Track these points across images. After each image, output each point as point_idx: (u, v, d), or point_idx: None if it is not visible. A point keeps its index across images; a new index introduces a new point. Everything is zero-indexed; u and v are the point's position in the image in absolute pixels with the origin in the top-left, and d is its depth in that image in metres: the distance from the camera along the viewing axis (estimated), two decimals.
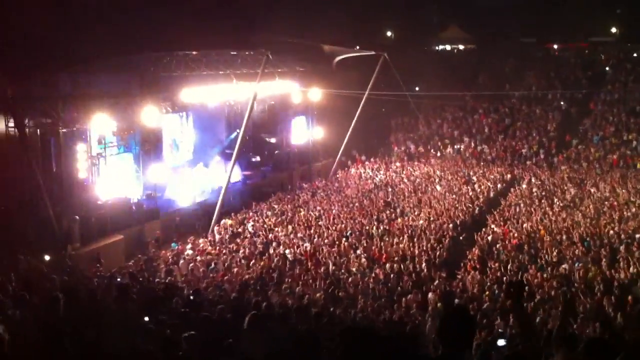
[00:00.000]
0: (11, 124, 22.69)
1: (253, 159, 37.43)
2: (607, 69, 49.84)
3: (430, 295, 18.11)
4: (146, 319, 8.73)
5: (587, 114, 44.64)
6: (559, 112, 45.52)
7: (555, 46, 57.21)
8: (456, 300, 17.56)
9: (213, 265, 21.75)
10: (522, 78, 49.51)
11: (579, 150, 41.08)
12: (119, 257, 23.58)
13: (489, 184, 34.19)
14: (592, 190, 31.79)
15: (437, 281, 19.66)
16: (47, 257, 20.63)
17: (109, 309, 9.13)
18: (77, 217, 23.29)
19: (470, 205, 29.09)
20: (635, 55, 50.63)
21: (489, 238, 24.11)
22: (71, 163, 24.79)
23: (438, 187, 33.50)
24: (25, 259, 19.09)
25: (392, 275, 20.22)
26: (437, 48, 63.31)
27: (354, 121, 38.20)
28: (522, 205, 29.14)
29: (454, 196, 31.08)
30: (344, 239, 24.30)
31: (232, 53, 32.43)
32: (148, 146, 28.40)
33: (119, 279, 17.86)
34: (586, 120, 44.02)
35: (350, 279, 19.97)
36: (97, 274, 19.45)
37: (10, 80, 22.03)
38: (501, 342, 12.19)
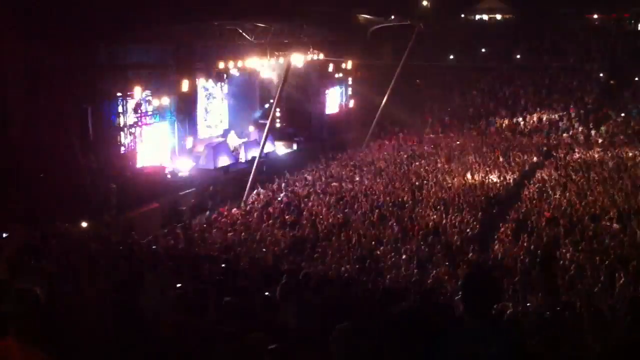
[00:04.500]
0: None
1: (286, 130, 37.49)
2: None
3: (461, 267, 18.07)
4: (178, 285, 8.86)
5: (627, 86, 43.70)
6: (597, 84, 44.65)
7: (596, 16, 55.91)
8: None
9: (246, 234, 21.93)
10: (561, 49, 48.53)
11: (618, 123, 40.32)
12: (155, 225, 23.94)
13: (524, 156, 33.83)
14: (630, 164, 31.25)
15: (469, 254, 19.59)
16: (84, 225, 21.02)
17: (142, 276, 9.29)
18: (113, 185, 23.65)
19: (505, 178, 28.84)
20: None
21: (523, 211, 23.92)
22: (107, 132, 25.15)
23: (472, 159, 33.21)
24: (63, 226, 19.45)
25: (424, 247, 20.19)
26: (474, 18, 62.35)
27: (387, 92, 37.89)
28: (558, 178, 28.81)
29: (488, 168, 30.83)
30: (376, 209, 24.31)
31: (266, 24, 32.32)
32: (183, 116, 28.68)
33: (154, 247, 18.13)
34: (626, 93, 43.12)
35: (381, 250, 20.00)
36: (132, 242, 19.73)
37: (48, 50, 22.26)
38: None
